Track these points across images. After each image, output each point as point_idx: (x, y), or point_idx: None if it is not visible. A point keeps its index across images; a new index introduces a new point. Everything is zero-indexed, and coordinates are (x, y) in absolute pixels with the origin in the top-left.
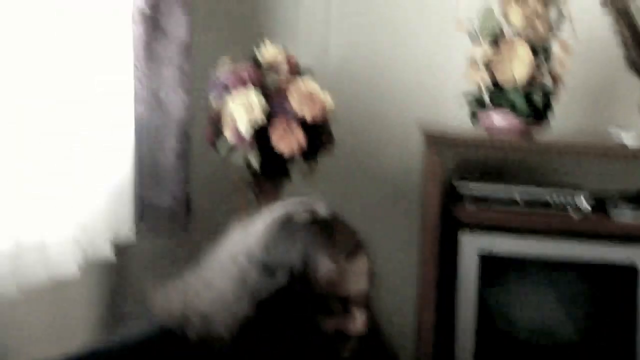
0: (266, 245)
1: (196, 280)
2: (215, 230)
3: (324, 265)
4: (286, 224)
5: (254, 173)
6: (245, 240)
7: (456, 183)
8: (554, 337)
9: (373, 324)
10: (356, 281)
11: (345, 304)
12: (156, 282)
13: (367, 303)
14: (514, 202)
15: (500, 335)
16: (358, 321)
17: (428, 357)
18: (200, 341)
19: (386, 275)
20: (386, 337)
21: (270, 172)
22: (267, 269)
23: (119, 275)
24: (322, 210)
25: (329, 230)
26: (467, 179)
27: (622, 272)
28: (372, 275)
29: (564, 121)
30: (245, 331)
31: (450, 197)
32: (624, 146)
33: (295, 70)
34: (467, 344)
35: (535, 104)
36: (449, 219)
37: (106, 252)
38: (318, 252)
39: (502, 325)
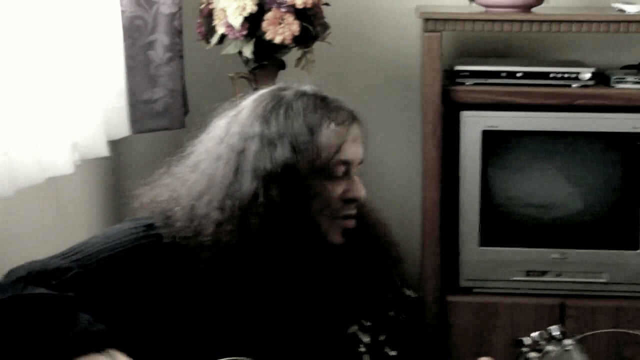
0: (264, 118)
1: (183, 169)
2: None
3: (328, 131)
4: (277, 98)
5: (248, 65)
6: (234, 121)
7: (456, 66)
8: (558, 210)
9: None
10: (355, 147)
11: (346, 168)
12: (148, 179)
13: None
14: (515, 79)
15: (505, 211)
16: (359, 185)
17: (434, 235)
18: (190, 236)
19: (389, 162)
20: (376, 214)
21: (265, 63)
22: (269, 141)
23: (114, 171)
24: (308, 87)
25: (323, 100)
26: (467, 63)
27: (625, 141)
28: (365, 144)
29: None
30: (247, 212)
31: (451, 81)
32: (626, 16)
33: None
34: (471, 220)
35: None
36: (451, 104)
37: (101, 149)
38: (320, 118)
39: (506, 201)
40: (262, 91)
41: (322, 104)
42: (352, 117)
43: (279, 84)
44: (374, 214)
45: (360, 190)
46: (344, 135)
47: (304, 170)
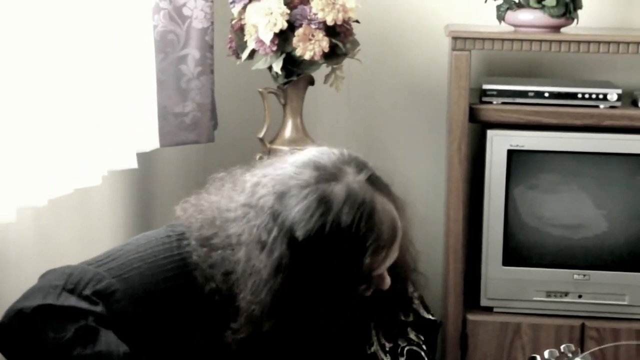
0: (307, 223)
1: (230, 193)
2: (240, 140)
3: (371, 258)
4: (324, 200)
5: (277, 80)
6: (278, 194)
7: (484, 85)
8: (582, 231)
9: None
10: (394, 254)
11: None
12: (182, 193)
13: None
14: (543, 99)
15: (529, 231)
16: (386, 280)
17: (458, 253)
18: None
19: (414, 179)
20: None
21: (294, 79)
22: (307, 255)
23: (142, 183)
24: (357, 177)
25: (371, 213)
26: (494, 82)
27: None
28: (407, 236)
29: (594, 19)
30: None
31: (479, 100)
32: None
33: None
34: (495, 239)
35: (564, 1)
36: (478, 122)
37: (130, 161)
38: (364, 247)
39: (530, 220)
40: (307, 168)
41: (369, 219)
42: (395, 230)
43: (319, 156)
44: None
45: (386, 285)
46: (385, 257)
47: (343, 289)
